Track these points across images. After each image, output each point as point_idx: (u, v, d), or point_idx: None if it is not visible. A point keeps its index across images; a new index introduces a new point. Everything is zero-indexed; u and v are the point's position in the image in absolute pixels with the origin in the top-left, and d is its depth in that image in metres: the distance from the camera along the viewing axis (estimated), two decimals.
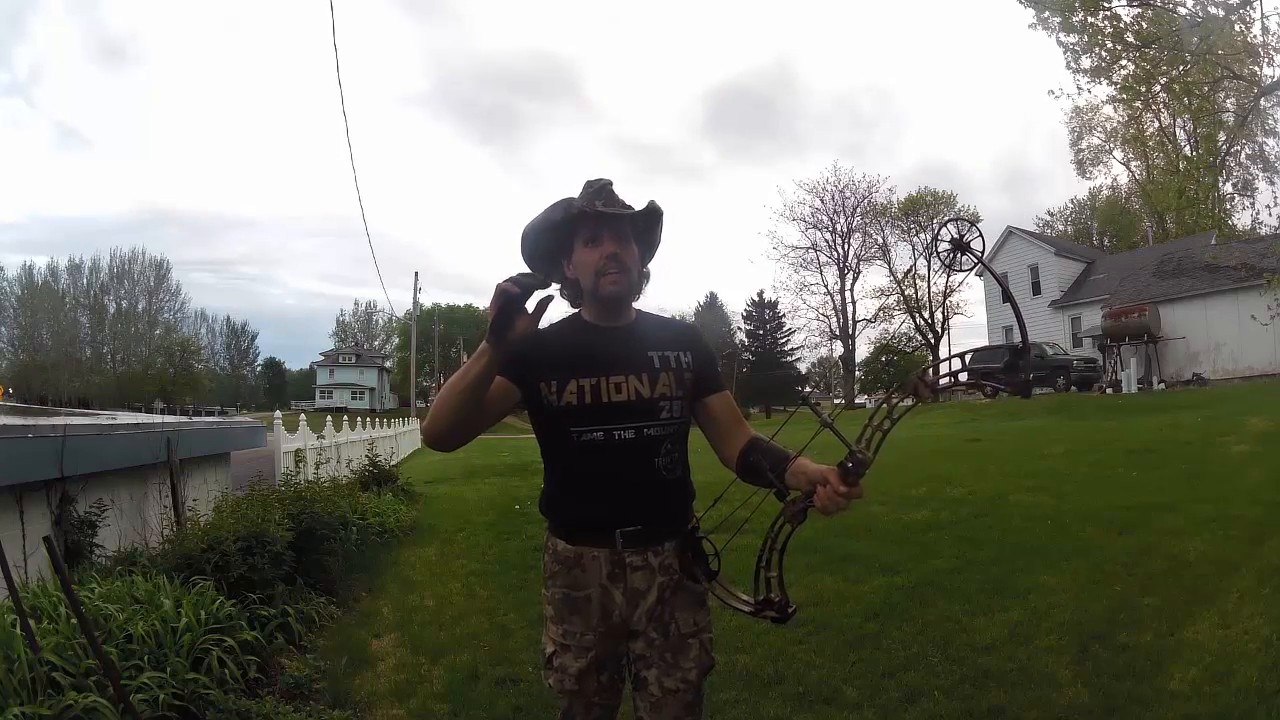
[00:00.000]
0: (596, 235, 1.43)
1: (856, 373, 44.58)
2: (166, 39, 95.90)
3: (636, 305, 1.58)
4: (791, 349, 50.37)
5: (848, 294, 38.82)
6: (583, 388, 1.41)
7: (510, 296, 1.22)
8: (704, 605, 1.50)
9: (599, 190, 1.45)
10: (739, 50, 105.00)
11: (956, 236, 1.27)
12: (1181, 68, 8.40)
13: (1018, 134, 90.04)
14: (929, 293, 38.07)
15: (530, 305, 1.26)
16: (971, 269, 1.17)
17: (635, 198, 1.50)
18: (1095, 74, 8.85)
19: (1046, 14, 8.37)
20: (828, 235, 38.24)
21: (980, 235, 1.28)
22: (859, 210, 37.67)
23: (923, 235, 37.54)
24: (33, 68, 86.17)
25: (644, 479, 1.43)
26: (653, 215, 1.51)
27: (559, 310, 1.49)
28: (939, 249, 1.28)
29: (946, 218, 1.25)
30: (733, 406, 1.55)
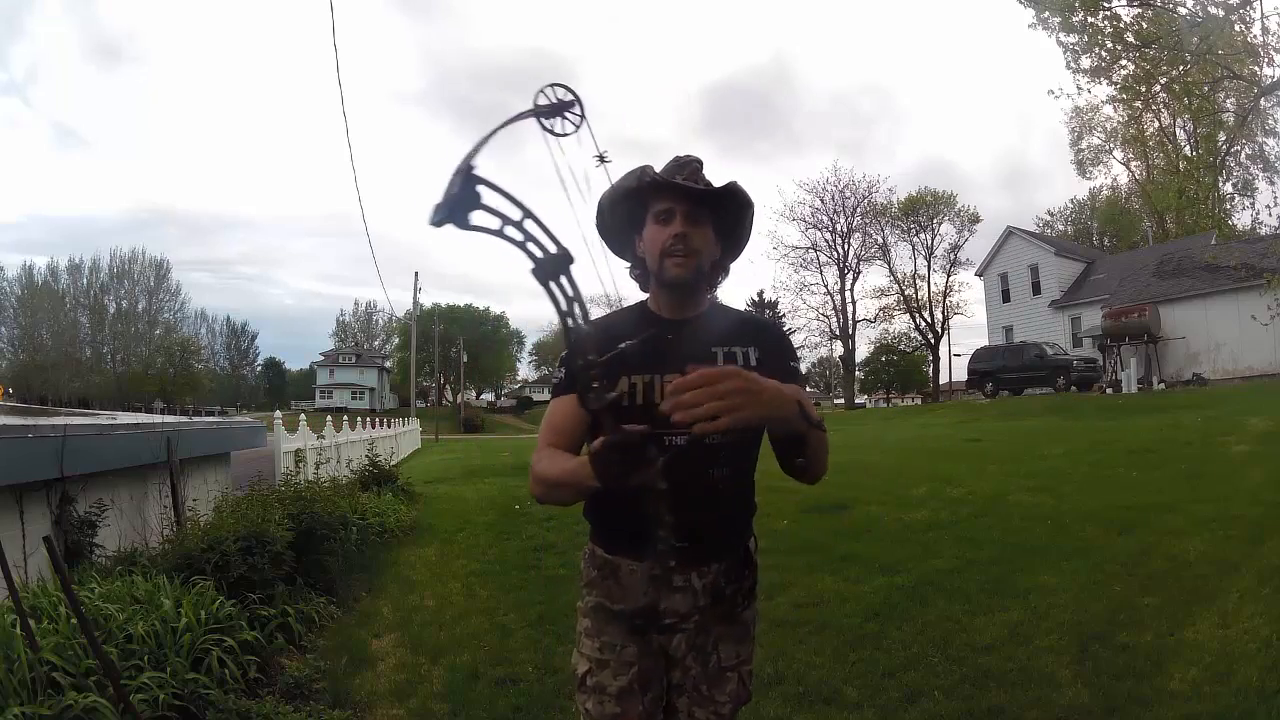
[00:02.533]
0: (669, 211, 1.29)
1: (856, 373, 44.57)
2: (164, 38, 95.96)
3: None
4: None
5: (848, 294, 38.76)
6: (634, 385, 1.27)
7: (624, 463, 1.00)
8: (749, 636, 1.39)
9: (683, 165, 1.31)
10: (736, 48, 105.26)
11: (555, 101, 1.08)
12: (1181, 68, 8.40)
13: (1017, 134, 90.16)
14: (929, 293, 38.09)
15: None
16: (573, 132, 1.06)
17: None
18: (1095, 74, 8.86)
19: (1046, 14, 8.37)
20: (828, 235, 38.18)
21: (578, 101, 1.07)
22: (859, 210, 37.62)
23: (923, 235, 37.57)
24: (30, 67, 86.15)
25: (696, 491, 1.22)
26: (733, 198, 1.33)
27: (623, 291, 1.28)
28: (541, 114, 1.06)
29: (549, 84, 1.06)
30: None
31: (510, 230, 0.97)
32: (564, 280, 0.98)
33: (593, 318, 1.05)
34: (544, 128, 1.05)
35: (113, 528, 3.65)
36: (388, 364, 68.64)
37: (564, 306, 0.98)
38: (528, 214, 0.97)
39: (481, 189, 0.95)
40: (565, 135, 1.07)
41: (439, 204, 0.93)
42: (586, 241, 1.26)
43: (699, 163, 1.33)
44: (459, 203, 0.94)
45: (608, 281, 1.24)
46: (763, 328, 1.43)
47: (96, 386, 54.22)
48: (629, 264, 1.39)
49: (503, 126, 1.03)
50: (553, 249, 0.97)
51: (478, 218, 0.95)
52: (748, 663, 1.38)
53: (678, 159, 1.33)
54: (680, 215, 1.28)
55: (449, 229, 0.93)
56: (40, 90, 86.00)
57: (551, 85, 1.07)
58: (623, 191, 1.29)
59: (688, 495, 1.17)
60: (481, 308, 64.47)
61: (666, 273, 1.30)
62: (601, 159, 1.20)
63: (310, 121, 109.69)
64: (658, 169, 1.32)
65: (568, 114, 1.07)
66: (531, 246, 0.97)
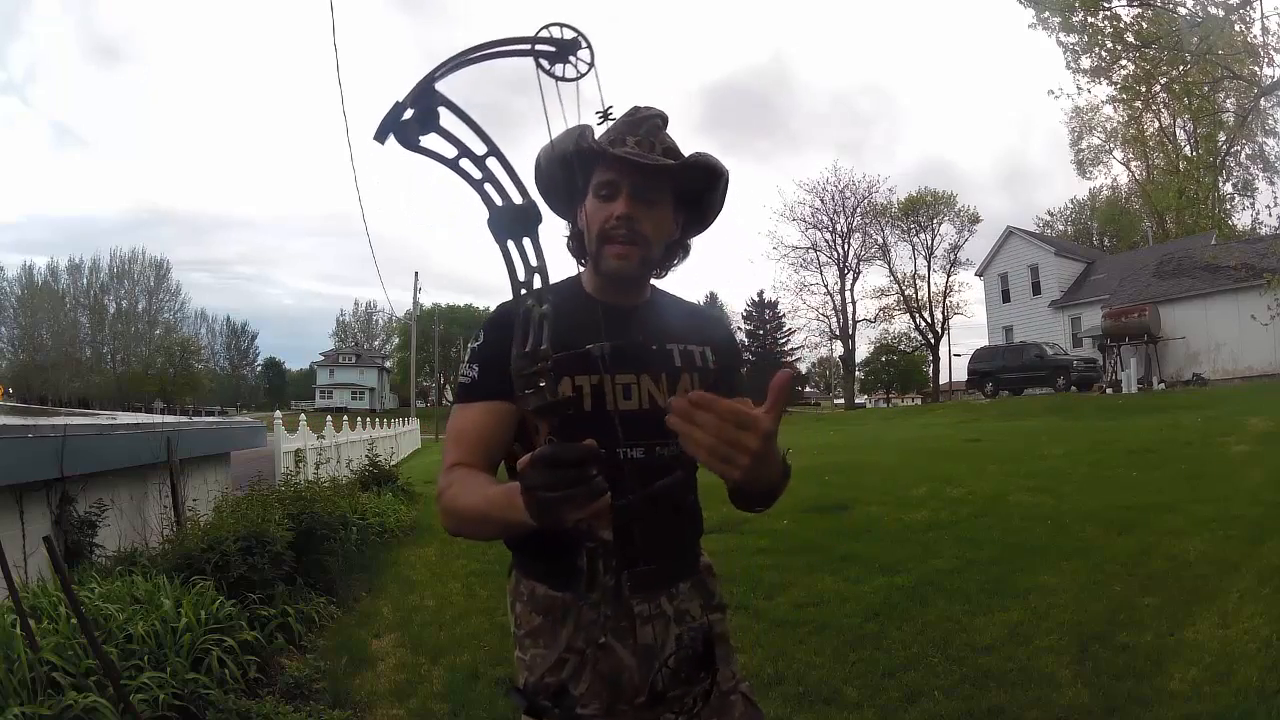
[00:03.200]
0: (612, 185, 1.07)
1: (856, 373, 44.57)
2: (163, 38, 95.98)
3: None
4: (791, 349, 50.35)
5: (848, 294, 38.78)
6: (580, 388, 1.06)
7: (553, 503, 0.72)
8: (733, 649, 1.23)
9: (637, 124, 1.08)
10: (735, 48, 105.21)
11: (559, 39, 0.89)
12: (1181, 68, 8.40)
13: (1018, 134, 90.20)
14: (929, 293, 38.09)
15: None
16: (578, 77, 0.86)
17: None
18: (1095, 74, 8.86)
19: (1046, 14, 8.37)
20: (828, 235, 38.19)
21: (589, 47, 0.88)
22: (859, 210, 37.65)
23: (923, 235, 37.57)
24: (29, 67, 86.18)
25: (654, 510, 1.05)
26: (699, 171, 1.10)
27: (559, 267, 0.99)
28: (540, 58, 0.87)
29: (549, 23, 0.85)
30: None
31: (467, 164, 0.81)
32: (526, 242, 0.79)
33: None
34: (543, 69, 0.86)
35: (113, 528, 3.65)
36: (388, 364, 68.68)
37: (521, 272, 0.78)
38: (493, 150, 0.80)
39: (443, 110, 0.80)
40: (567, 80, 0.87)
41: (385, 115, 0.78)
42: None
43: (660, 119, 1.10)
44: (411, 118, 0.79)
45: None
46: (713, 323, 1.26)
47: (96, 386, 54.20)
48: (567, 232, 1.16)
49: (488, 54, 0.86)
50: (517, 199, 0.79)
51: (431, 141, 0.81)
52: (744, 680, 1.22)
53: (633, 112, 1.09)
54: (626, 192, 1.06)
55: (395, 149, 0.79)
56: (39, 90, 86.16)
57: (557, 24, 0.89)
58: (559, 155, 1.02)
59: (646, 514, 1.02)
60: (481, 308, 64.41)
61: (605, 262, 1.09)
62: (605, 115, 0.99)
63: (310, 121, 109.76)
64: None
65: (573, 58, 0.88)
66: (490, 189, 0.80)
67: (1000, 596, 3.83)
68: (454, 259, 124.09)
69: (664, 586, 1.11)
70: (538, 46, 0.87)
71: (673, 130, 1.14)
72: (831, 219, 37.78)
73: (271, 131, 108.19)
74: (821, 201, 37.45)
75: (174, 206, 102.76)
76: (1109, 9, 8.11)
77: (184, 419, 7.29)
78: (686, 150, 1.12)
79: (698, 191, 1.13)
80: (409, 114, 0.79)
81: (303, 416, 9.04)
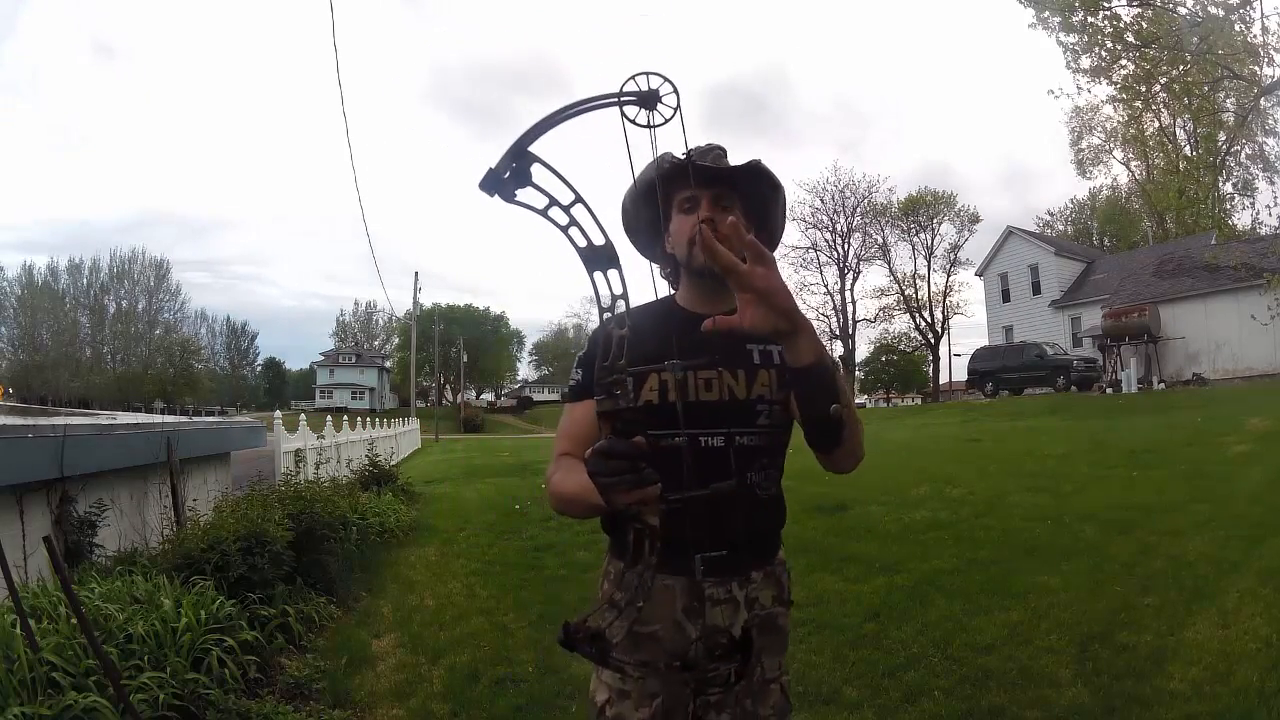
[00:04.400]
0: (693, 199, 1.23)
1: (857, 372, 44.56)
2: (161, 37, 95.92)
3: None
4: None
5: (848, 294, 38.81)
6: (664, 383, 1.19)
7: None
8: (786, 645, 1.31)
9: (705, 153, 1.24)
10: (736, 48, 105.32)
11: (648, 90, 0.97)
12: (1181, 68, 8.41)
13: (1017, 134, 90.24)
14: (929, 293, 38.09)
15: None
16: (664, 123, 0.94)
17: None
18: (1095, 74, 8.87)
19: (1046, 14, 8.38)
20: (828, 235, 38.24)
21: (675, 91, 0.96)
22: (859, 210, 37.68)
23: (923, 235, 37.58)
24: (28, 67, 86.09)
25: (733, 497, 1.13)
26: (760, 178, 1.25)
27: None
28: (626, 107, 0.95)
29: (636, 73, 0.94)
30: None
31: (556, 213, 0.93)
32: (611, 274, 0.93)
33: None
34: (628, 119, 0.95)
35: (113, 528, 3.65)
36: (388, 364, 68.65)
37: (606, 302, 0.93)
38: (579, 199, 0.93)
39: (536, 167, 0.92)
40: (654, 127, 0.96)
41: (488, 172, 0.91)
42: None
43: (722, 150, 1.26)
44: (510, 176, 0.92)
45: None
46: None
47: (96, 386, 54.21)
48: (660, 265, 1.31)
49: (579, 110, 0.95)
50: (599, 241, 0.93)
51: (525, 194, 0.93)
52: (787, 673, 1.30)
53: (699, 147, 1.24)
54: (706, 200, 1.22)
55: (499, 201, 0.92)
56: (38, 89, 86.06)
57: (645, 74, 0.97)
58: (645, 185, 1.18)
59: (725, 500, 1.09)
60: (481, 308, 64.50)
61: (696, 259, 1.21)
62: (687, 156, 1.14)
63: (310, 121, 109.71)
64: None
65: (661, 104, 0.96)
66: (574, 232, 0.93)
67: (1000, 596, 3.83)
68: (454, 259, 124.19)
69: (736, 573, 1.21)
70: (624, 98, 0.95)
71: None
72: (831, 219, 37.83)
73: (271, 131, 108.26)
74: (821, 201, 37.51)
75: (173, 206, 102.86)
76: (1109, 9, 8.12)
77: (184, 419, 7.29)
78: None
79: (760, 207, 1.28)
80: (507, 174, 0.92)
81: (303, 416, 9.04)
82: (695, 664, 1.16)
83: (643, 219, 1.25)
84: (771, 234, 1.32)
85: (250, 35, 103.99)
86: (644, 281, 1.20)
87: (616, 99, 0.95)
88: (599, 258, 0.93)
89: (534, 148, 0.92)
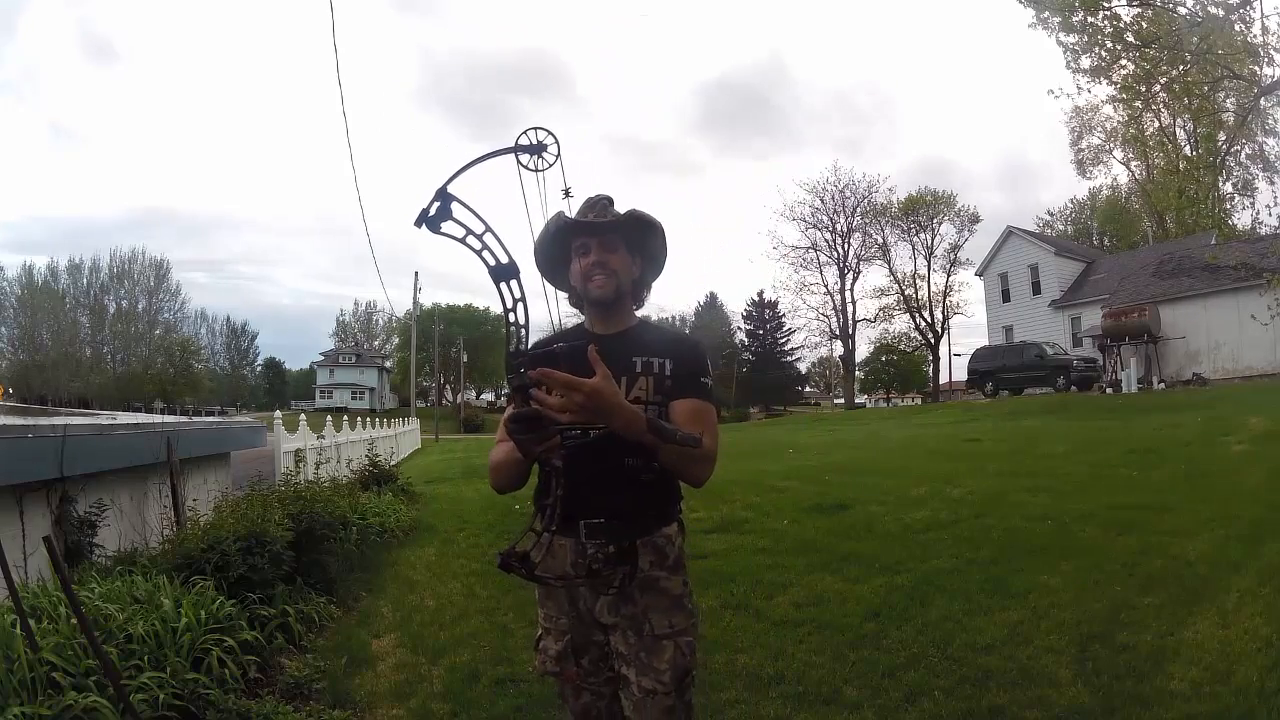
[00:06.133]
0: (585, 245, 1.56)
1: (856, 372, 44.56)
2: (161, 37, 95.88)
3: (642, 314, 1.68)
4: (791, 349, 50.37)
5: (848, 294, 38.82)
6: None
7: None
8: (682, 608, 1.53)
9: (592, 204, 1.58)
10: (732, 45, 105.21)
11: (536, 142, 1.37)
12: (1181, 68, 8.40)
13: (1017, 133, 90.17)
14: (929, 292, 38.09)
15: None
16: (548, 168, 1.38)
17: (631, 195, 1.53)
18: (1095, 74, 8.86)
19: (1046, 14, 8.37)
20: (828, 235, 38.26)
21: (557, 142, 1.37)
22: (859, 210, 37.69)
23: (923, 235, 37.58)
24: (27, 66, 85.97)
25: (614, 476, 1.43)
26: (636, 223, 1.56)
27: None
28: (520, 155, 1.37)
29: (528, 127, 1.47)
30: (694, 414, 1.50)
31: (471, 240, 1.23)
32: (512, 284, 1.24)
33: (537, 338, 1.31)
34: (521, 165, 1.34)
35: (113, 528, 3.65)
36: (388, 364, 68.65)
37: (509, 304, 1.25)
38: (488, 228, 1.24)
39: (455, 205, 1.22)
40: (539, 171, 1.38)
41: (421, 211, 1.22)
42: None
43: (608, 200, 1.59)
44: (435, 213, 1.22)
45: (550, 294, 1.65)
46: (682, 343, 1.64)
47: (96, 386, 54.21)
48: (567, 294, 1.65)
49: (485, 158, 1.28)
50: (504, 259, 1.24)
51: (448, 226, 1.23)
52: (687, 634, 1.52)
53: (589, 200, 1.59)
54: (595, 246, 1.55)
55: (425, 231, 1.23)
56: (38, 89, 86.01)
57: (534, 128, 1.36)
58: (547, 236, 1.57)
59: (607, 480, 1.42)
60: (481, 308, 64.33)
61: (590, 293, 1.57)
62: (566, 193, 1.57)
63: (309, 121, 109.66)
64: (576, 209, 1.60)
65: (545, 154, 1.36)
66: (486, 255, 1.23)
67: (1000, 596, 3.83)
68: (454, 259, 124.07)
69: (615, 539, 1.42)
70: (520, 144, 1.36)
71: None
72: (831, 218, 37.87)
73: (271, 131, 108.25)
74: (821, 201, 37.55)
75: (173, 206, 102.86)
76: (1109, 9, 8.11)
77: (184, 419, 7.29)
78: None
79: (643, 239, 1.61)
80: (433, 210, 1.22)
81: (303, 416, 9.03)
82: (593, 573, 1.41)
83: (549, 261, 1.61)
84: (653, 258, 1.65)
85: (250, 35, 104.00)
86: (548, 300, 1.69)
87: (513, 150, 1.34)
88: (504, 273, 1.24)
89: (453, 189, 1.23)
